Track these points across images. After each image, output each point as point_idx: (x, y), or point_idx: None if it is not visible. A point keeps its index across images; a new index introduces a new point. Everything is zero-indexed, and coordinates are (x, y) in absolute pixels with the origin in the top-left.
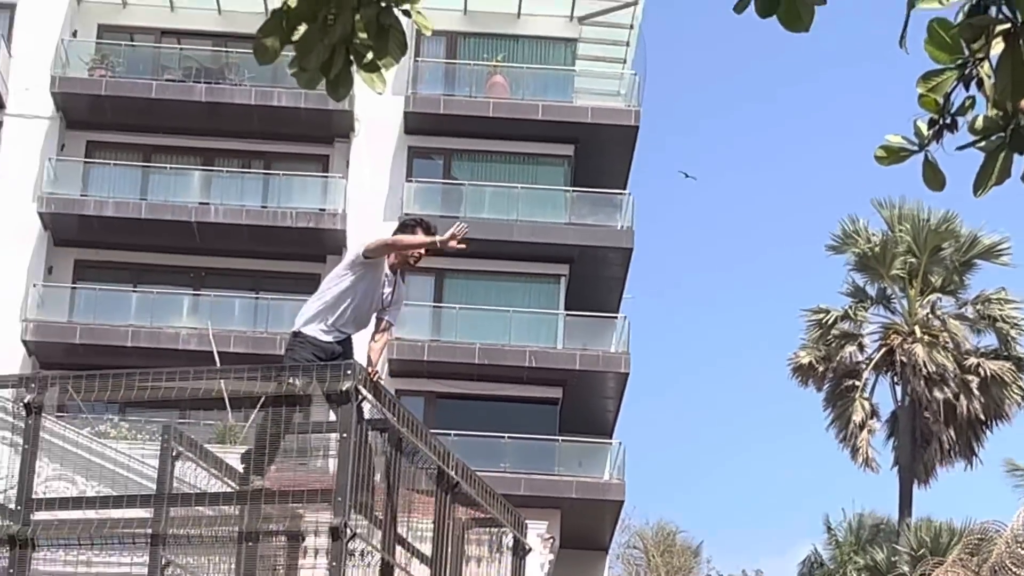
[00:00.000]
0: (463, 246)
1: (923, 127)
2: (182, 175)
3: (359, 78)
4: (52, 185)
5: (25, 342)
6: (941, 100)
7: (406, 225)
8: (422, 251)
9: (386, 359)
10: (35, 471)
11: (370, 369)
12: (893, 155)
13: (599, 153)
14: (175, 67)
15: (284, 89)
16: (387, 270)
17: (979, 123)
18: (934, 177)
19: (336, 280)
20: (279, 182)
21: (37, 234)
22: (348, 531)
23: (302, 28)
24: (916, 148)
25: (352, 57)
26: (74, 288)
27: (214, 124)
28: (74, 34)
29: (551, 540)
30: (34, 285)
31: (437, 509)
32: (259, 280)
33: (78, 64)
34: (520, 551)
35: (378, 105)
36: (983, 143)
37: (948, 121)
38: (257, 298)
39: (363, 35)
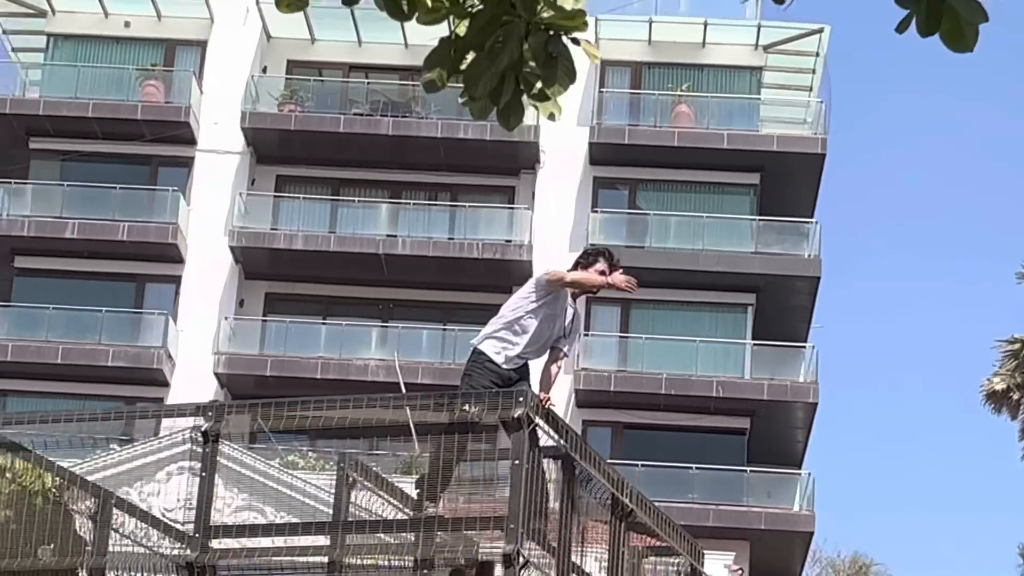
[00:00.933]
0: (628, 292)
1: None
2: (370, 208)
3: (538, 107)
4: (243, 219)
5: (217, 375)
6: None
7: (588, 254)
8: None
9: (572, 390)
10: (212, 498)
11: (543, 396)
12: None
13: (785, 181)
14: (363, 101)
15: (470, 122)
16: (568, 299)
17: None
18: None
19: (519, 303)
20: (466, 214)
21: (228, 267)
22: (521, 558)
23: (470, 56)
24: None
25: (522, 86)
26: (264, 321)
27: (401, 157)
28: (264, 70)
29: (740, 572)
30: (225, 318)
31: (612, 537)
32: (446, 312)
33: (268, 99)
34: None
35: (563, 136)
36: None
37: None
38: (444, 330)
39: (532, 63)
